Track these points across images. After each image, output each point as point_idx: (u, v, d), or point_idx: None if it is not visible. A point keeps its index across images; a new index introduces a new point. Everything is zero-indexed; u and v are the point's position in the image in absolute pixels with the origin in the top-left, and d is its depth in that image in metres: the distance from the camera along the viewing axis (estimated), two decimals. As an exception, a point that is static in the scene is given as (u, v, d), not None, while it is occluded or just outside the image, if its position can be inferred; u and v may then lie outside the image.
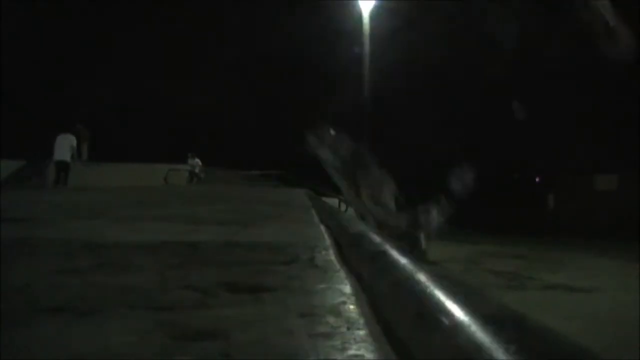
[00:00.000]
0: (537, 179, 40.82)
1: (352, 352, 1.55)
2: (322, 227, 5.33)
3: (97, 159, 21.13)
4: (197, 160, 26.61)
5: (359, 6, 23.60)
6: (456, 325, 1.19)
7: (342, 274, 2.76)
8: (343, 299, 2.19)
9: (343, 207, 16.22)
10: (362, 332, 1.73)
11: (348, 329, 1.76)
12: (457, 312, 1.25)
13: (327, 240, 4.17)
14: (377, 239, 2.78)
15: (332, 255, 3.39)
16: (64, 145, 17.00)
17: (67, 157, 16.97)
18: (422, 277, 1.65)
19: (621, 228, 22.18)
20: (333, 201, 16.09)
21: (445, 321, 1.24)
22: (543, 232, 22.57)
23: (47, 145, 18.41)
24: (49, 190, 15.37)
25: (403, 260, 2.01)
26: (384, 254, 2.26)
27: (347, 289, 2.39)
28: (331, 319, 1.87)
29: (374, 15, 23.46)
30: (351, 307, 2.06)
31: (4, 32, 27.12)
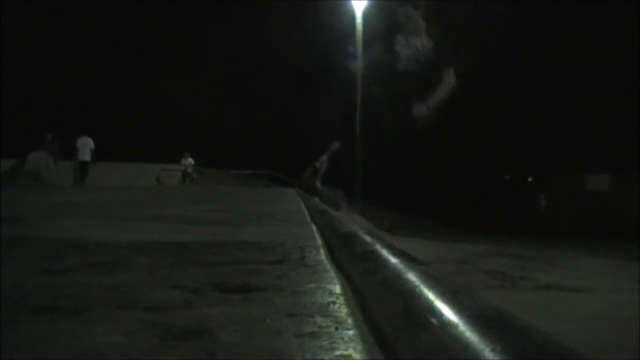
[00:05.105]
0: (529, 179, 41.01)
1: (339, 352, 1.53)
2: (313, 227, 5.33)
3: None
4: (190, 160, 26.54)
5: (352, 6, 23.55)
6: (444, 324, 1.18)
7: (331, 273, 2.75)
8: (332, 298, 2.18)
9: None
10: (350, 332, 1.72)
11: (336, 329, 1.75)
12: (446, 311, 1.24)
13: (318, 240, 4.16)
14: (367, 238, 2.77)
15: (322, 255, 3.38)
16: (86, 148, 19.51)
17: (88, 158, 19.51)
18: (411, 277, 1.64)
19: (613, 228, 22.26)
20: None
21: (433, 321, 1.23)
22: (535, 232, 22.60)
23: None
24: (40, 189, 15.53)
25: (393, 260, 2.00)
26: (374, 253, 2.25)
27: (337, 288, 2.38)
28: (319, 319, 1.86)
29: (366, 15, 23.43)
30: (340, 307, 2.05)
31: (4, 33, 27.09)
